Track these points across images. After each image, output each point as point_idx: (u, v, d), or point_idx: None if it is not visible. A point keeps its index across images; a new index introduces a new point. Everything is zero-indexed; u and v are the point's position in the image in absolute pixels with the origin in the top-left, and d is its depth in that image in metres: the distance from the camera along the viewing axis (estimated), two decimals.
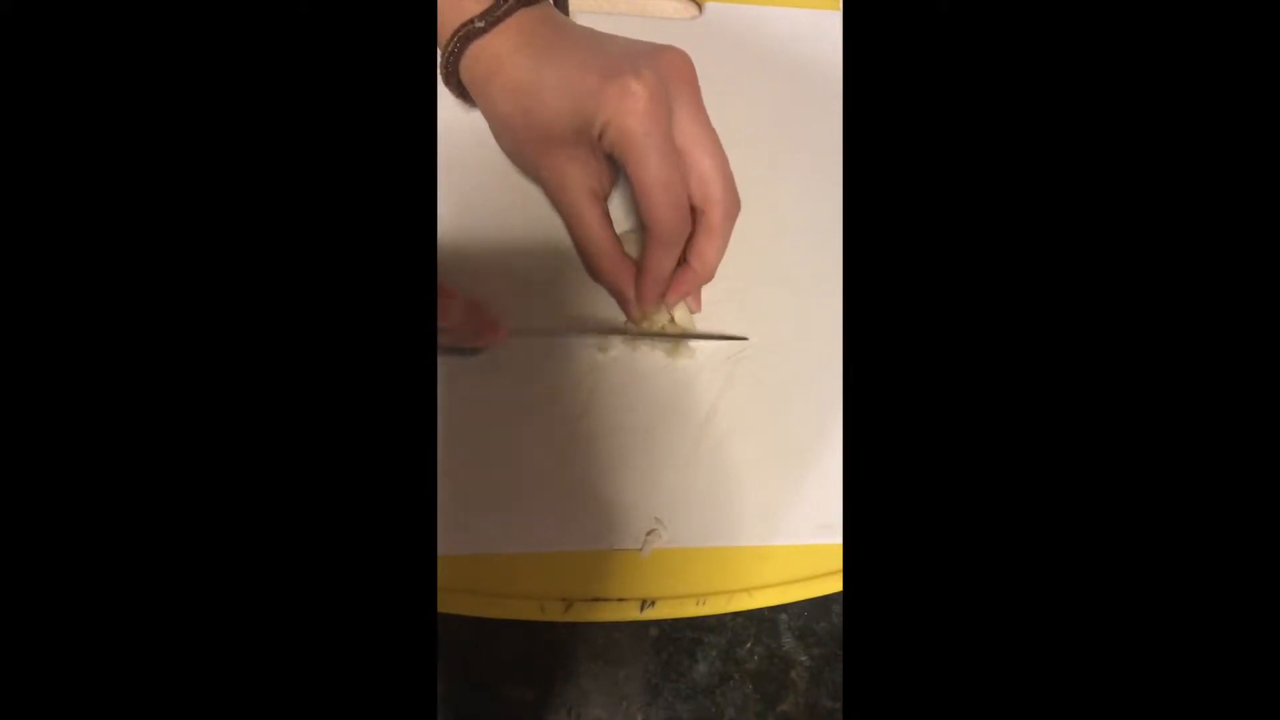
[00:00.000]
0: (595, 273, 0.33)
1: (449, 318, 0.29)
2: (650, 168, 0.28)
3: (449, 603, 0.30)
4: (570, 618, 0.31)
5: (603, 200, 0.33)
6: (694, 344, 0.34)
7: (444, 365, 0.32)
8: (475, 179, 0.34)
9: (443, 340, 0.30)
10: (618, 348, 0.33)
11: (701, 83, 0.30)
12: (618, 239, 0.32)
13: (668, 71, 0.29)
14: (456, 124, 0.33)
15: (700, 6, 0.38)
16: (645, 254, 0.31)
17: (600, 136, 0.29)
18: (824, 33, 0.39)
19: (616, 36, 0.31)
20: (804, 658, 0.35)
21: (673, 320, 0.33)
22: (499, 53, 0.30)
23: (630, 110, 0.28)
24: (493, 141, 0.33)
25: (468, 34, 0.29)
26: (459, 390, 0.31)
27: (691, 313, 0.34)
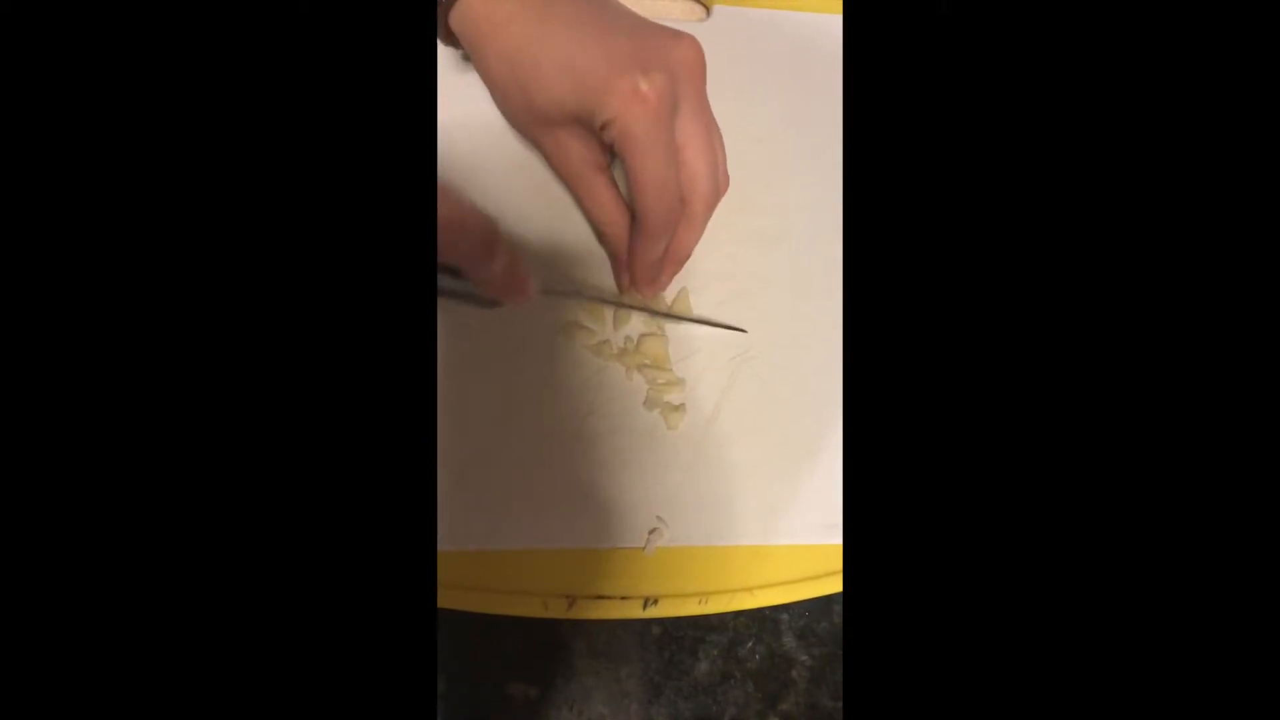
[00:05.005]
0: (605, 239, 0.33)
1: (491, 267, 0.28)
2: (649, 170, 0.28)
3: (452, 599, 0.30)
4: (573, 615, 0.31)
5: (608, 170, 0.32)
6: (688, 403, 0.33)
7: (452, 339, 0.31)
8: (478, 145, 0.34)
9: (465, 288, 0.29)
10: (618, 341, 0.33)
11: (708, 84, 0.30)
12: (627, 207, 0.31)
13: (678, 69, 0.28)
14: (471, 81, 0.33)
15: (708, 9, 0.38)
16: (634, 243, 0.31)
17: (602, 129, 0.28)
18: (830, 36, 0.38)
19: (622, 7, 0.30)
20: (805, 657, 0.35)
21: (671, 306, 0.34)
22: (493, 16, 0.28)
23: (638, 115, 0.27)
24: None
25: None
26: (462, 383, 0.32)
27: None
